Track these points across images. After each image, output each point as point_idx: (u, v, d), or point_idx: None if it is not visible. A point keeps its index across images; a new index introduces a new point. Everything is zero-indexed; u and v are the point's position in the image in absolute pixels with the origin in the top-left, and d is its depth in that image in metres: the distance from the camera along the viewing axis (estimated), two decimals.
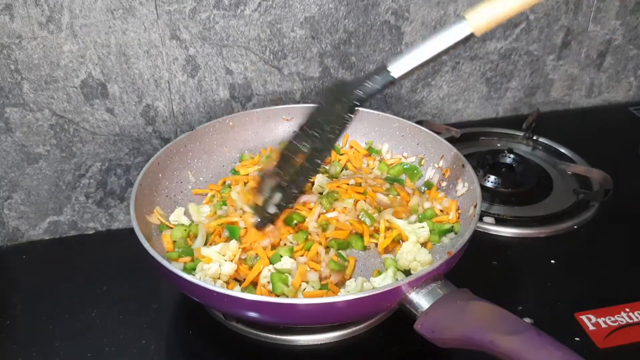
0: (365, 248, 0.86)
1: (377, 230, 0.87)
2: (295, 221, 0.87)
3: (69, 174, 1.02)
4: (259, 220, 0.80)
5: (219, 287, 0.69)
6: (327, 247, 0.84)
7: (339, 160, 1.01)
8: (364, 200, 0.91)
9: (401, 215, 0.90)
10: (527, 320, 0.80)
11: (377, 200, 0.92)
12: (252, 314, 0.71)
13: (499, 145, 1.21)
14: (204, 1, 0.98)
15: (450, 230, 0.87)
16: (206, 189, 0.96)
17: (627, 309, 0.83)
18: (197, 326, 0.83)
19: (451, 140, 1.05)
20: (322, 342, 0.80)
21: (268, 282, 0.77)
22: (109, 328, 0.83)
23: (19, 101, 0.94)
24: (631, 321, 0.82)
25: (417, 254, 0.79)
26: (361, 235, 0.86)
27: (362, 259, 0.85)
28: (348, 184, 0.94)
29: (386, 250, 0.86)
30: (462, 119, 1.29)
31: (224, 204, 0.91)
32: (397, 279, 0.79)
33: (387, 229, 0.87)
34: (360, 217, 0.88)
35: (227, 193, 0.93)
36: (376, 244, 0.86)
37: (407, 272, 0.81)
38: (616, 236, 0.99)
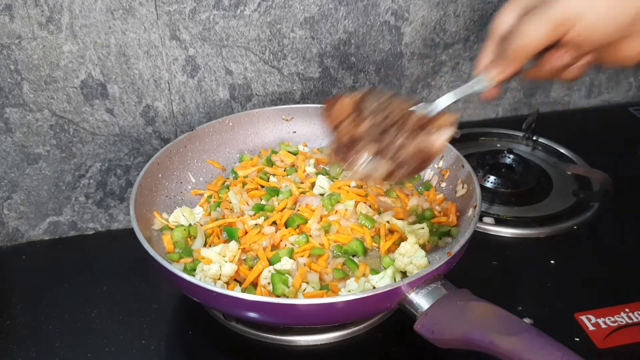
0: (366, 254, 0.85)
1: (378, 232, 0.87)
2: (297, 223, 0.87)
3: (68, 174, 1.02)
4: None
5: (219, 288, 0.69)
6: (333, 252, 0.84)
7: None
8: (364, 202, 0.90)
9: (401, 216, 0.89)
10: (527, 320, 0.80)
11: (377, 202, 0.91)
12: (252, 315, 0.71)
13: (498, 145, 1.21)
14: (203, 1, 0.97)
15: (448, 233, 0.87)
16: (205, 189, 0.96)
17: (627, 309, 0.83)
18: (197, 326, 0.83)
19: (451, 140, 1.05)
20: (322, 342, 0.80)
21: (268, 283, 0.77)
22: (109, 328, 0.83)
23: (18, 101, 0.94)
24: (631, 321, 0.82)
25: (413, 256, 0.79)
26: (363, 240, 0.86)
27: (363, 259, 0.85)
28: (350, 186, 0.94)
29: (388, 251, 0.85)
30: (462, 119, 1.29)
31: (219, 205, 0.91)
32: (395, 279, 0.79)
33: (390, 231, 0.87)
34: (360, 221, 0.88)
35: (224, 194, 0.93)
36: (378, 247, 0.86)
37: (404, 272, 0.81)
38: (616, 236, 0.99)
